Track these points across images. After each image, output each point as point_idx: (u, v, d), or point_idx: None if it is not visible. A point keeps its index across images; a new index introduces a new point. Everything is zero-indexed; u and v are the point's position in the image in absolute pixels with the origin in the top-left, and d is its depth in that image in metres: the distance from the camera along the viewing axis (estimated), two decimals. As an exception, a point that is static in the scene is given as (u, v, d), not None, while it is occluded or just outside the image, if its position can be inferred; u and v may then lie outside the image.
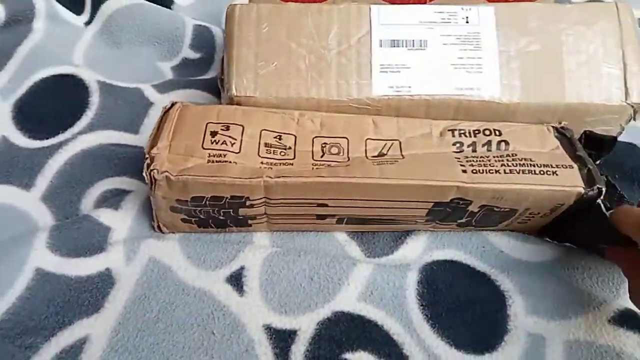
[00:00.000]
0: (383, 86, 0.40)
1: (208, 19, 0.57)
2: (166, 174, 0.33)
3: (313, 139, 0.37)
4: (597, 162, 0.40)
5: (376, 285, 0.36)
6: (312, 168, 0.34)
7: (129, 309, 0.34)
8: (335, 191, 0.34)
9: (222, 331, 0.34)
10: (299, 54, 0.40)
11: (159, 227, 0.38)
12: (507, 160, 0.36)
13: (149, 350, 0.33)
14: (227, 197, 0.34)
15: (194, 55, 0.54)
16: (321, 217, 0.37)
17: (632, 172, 0.45)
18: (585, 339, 0.34)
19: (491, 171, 0.35)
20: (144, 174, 0.33)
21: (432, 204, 0.35)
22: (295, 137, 0.37)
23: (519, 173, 0.35)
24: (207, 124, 0.37)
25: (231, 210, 0.35)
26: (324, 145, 0.36)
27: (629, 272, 0.35)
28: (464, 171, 0.35)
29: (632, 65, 0.41)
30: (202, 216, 0.36)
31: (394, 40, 0.40)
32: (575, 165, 0.36)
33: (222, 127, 0.36)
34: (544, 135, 0.38)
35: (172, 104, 0.38)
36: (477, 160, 0.36)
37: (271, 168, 0.34)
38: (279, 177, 0.33)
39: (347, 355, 0.33)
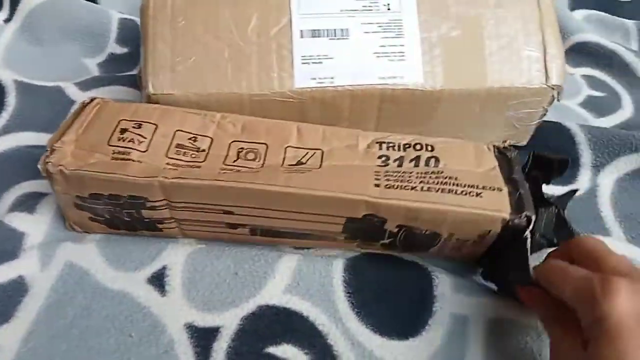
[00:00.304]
0: (305, 78, 0.39)
1: (135, 12, 0.55)
2: (60, 167, 0.32)
3: (230, 143, 0.35)
4: (547, 184, 0.37)
5: (302, 276, 0.36)
6: (219, 172, 0.33)
7: (42, 316, 0.33)
8: (235, 197, 0.33)
9: (141, 333, 0.33)
10: (217, 48, 0.39)
11: (71, 226, 0.37)
12: (430, 177, 0.34)
13: (60, 358, 0.32)
14: (125, 197, 0.33)
15: (120, 50, 0.53)
16: (232, 226, 0.36)
17: (558, 150, 0.46)
18: (508, 317, 0.35)
19: (407, 188, 0.33)
20: (38, 165, 0.32)
21: (345, 219, 0.34)
22: (212, 140, 0.36)
23: (437, 192, 0.33)
24: (120, 120, 0.36)
25: (133, 211, 0.34)
26: (240, 150, 0.35)
27: (549, 325, 0.31)
28: (377, 186, 0.33)
29: (552, 47, 0.41)
30: (107, 216, 0.35)
31: (315, 30, 0.40)
32: (505, 189, 0.33)
33: (134, 125, 0.35)
34: (482, 154, 0.36)
35: (92, 99, 0.38)
36: (396, 176, 0.34)
37: (176, 169, 0.33)
38: (175, 178, 0.32)
39: (271, 349, 0.33)
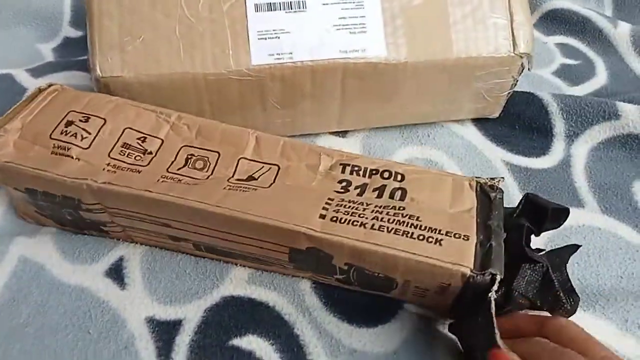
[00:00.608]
0: (263, 54, 0.37)
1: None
2: None
3: (181, 147, 0.33)
4: (536, 236, 0.32)
5: (267, 264, 0.35)
6: (156, 181, 0.31)
7: (-6, 316, 0.32)
8: (165, 211, 0.30)
9: (100, 329, 0.32)
10: (167, 25, 0.37)
11: (21, 216, 0.36)
12: (387, 213, 0.29)
13: (14, 359, 0.30)
14: (59, 196, 0.31)
15: (75, 33, 0.50)
16: (174, 238, 0.33)
17: (530, 121, 0.45)
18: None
19: (355, 223, 0.29)
20: None
21: (288, 249, 0.30)
22: (162, 142, 0.33)
23: (390, 232, 0.28)
24: (70, 112, 0.34)
25: (72, 210, 0.32)
26: (190, 156, 0.33)
27: None
28: (322, 217, 0.29)
29: (518, 14, 0.40)
30: (49, 211, 0.33)
31: (271, 4, 0.38)
32: (474, 237, 0.28)
33: (82, 118, 0.33)
34: (460, 191, 0.31)
35: (49, 85, 0.36)
36: (349, 207, 0.30)
37: (114, 172, 0.31)
38: (104, 183, 0.30)
39: (235, 340, 0.32)
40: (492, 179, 0.32)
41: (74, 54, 0.49)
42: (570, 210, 0.38)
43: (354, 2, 0.38)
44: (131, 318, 0.32)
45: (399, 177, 0.32)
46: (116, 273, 0.34)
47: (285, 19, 0.38)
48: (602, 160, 0.43)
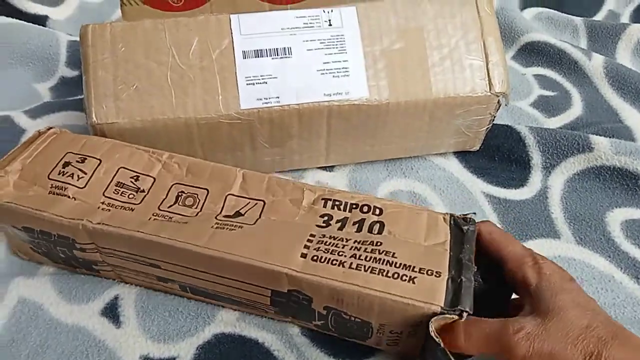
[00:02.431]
0: (251, 99, 0.39)
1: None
2: None
3: (172, 185, 0.35)
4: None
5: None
6: (149, 219, 0.33)
7: (-7, 359, 0.33)
8: (156, 251, 0.32)
9: (97, 368, 0.33)
10: (160, 73, 0.39)
11: (14, 252, 0.37)
12: (365, 250, 0.30)
13: (14, 401, 0.31)
14: (54, 235, 0.33)
15: (71, 73, 0.52)
16: (162, 279, 0.34)
17: (509, 154, 0.47)
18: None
19: (335, 263, 0.30)
20: None
21: (270, 291, 0.31)
22: (154, 180, 0.35)
23: (367, 271, 0.29)
24: (67, 153, 0.36)
25: (65, 249, 0.34)
26: (180, 194, 0.34)
27: None
28: (303, 256, 0.30)
29: (493, 55, 0.42)
30: (44, 249, 0.35)
31: (258, 50, 0.40)
32: (445, 274, 0.29)
33: (79, 159, 0.35)
34: (434, 224, 0.33)
35: (49, 129, 0.38)
36: (329, 244, 0.31)
37: (108, 211, 0.33)
38: (98, 223, 0.32)
39: (227, 376, 0.34)
40: (465, 214, 0.34)
41: (71, 93, 0.51)
42: (547, 241, 0.41)
43: (337, 47, 0.40)
44: (127, 357, 0.34)
45: (377, 211, 0.33)
46: (111, 312, 0.35)
47: (272, 65, 0.40)
48: (577, 191, 0.45)
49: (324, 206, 0.34)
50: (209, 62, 0.39)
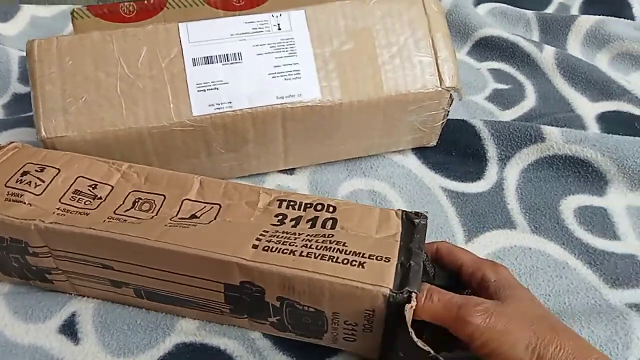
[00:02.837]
0: (203, 105, 0.39)
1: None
2: None
3: (129, 192, 0.35)
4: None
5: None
6: (103, 221, 0.33)
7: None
8: (108, 249, 0.32)
9: (55, 387, 0.33)
10: (108, 84, 0.38)
11: None
12: (317, 241, 0.31)
13: None
14: (7, 239, 0.33)
15: (24, 89, 0.51)
16: (115, 283, 0.34)
17: (465, 148, 0.48)
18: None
19: (285, 252, 0.30)
20: None
21: (223, 286, 0.31)
22: (112, 188, 0.35)
23: (317, 258, 0.30)
24: (26, 163, 0.36)
25: (19, 256, 0.34)
26: (137, 200, 0.35)
27: None
28: (255, 247, 0.30)
29: (442, 51, 0.42)
30: None
31: (208, 57, 0.40)
32: (395, 259, 0.30)
33: (37, 168, 0.35)
34: (386, 219, 0.33)
35: (10, 143, 0.38)
36: (281, 237, 0.31)
37: (63, 215, 0.33)
38: (51, 222, 0.32)
39: (190, 385, 0.33)
40: (416, 213, 0.34)
41: (24, 110, 0.50)
42: (503, 231, 0.42)
43: (287, 50, 0.41)
44: (87, 373, 0.33)
45: (331, 209, 0.34)
46: (69, 329, 0.35)
47: (223, 70, 0.40)
48: (531, 181, 0.45)
49: (279, 207, 0.34)
50: (159, 71, 0.39)
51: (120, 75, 0.38)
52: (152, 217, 0.33)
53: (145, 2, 0.42)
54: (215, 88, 0.39)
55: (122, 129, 0.38)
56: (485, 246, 0.41)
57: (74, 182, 0.35)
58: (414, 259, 0.30)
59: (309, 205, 0.34)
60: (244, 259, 0.30)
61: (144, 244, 0.31)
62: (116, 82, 0.38)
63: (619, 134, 0.46)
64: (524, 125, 0.47)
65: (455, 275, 0.33)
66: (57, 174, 0.35)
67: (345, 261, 0.29)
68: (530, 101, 0.54)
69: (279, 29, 0.41)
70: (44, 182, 0.34)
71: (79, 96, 0.38)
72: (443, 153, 0.48)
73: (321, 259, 0.30)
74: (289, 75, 0.40)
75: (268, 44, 0.40)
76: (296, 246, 0.31)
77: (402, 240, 0.32)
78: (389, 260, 0.30)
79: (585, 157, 0.45)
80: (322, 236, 0.32)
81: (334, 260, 0.30)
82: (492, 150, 0.47)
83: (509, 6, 0.66)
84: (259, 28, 0.41)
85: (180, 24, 0.40)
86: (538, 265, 0.39)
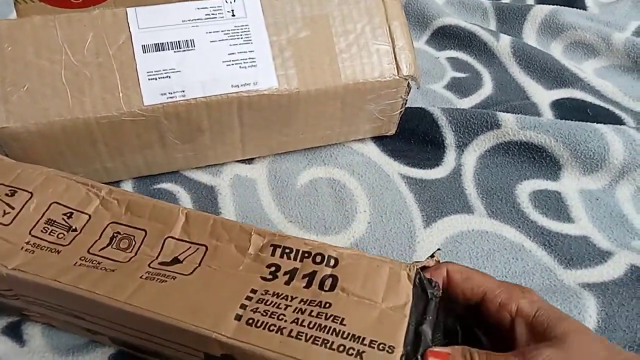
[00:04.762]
0: (154, 94, 0.38)
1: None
2: None
3: (108, 224, 0.32)
4: None
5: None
6: (76, 263, 0.30)
7: None
8: (74, 302, 0.29)
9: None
10: (52, 72, 0.36)
11: None
12: (311, 313, 0.27)
13: None
14: None
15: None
16: (91, 332, 0.32)
17: (424, 135, 0.48)
18: None
19: (273, 328, 0.26)
20: None
21: (203, 354, 0.28)
22: (89, 218, 0.32)
23: (308, 341, 0.26)
24: None
25: None
26: (115, 235, 0.31)
27: None
28: (238, 318, 0.27)
29: (399, 39, 0.42)
30: None
31: (159, 44, 0.38)
32: (399, 349, 0.25)
33: (8, 192, 0.32)
34: (396, 282, 0.29)
35: None
36: (270, 304, 0.27)
37: (33, 252, 0.30)
38: (14, 269, 0.29)
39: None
40: (431, 256, 0.30)
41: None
42: (461, 216, 0.42)
43: (241, 38, 0.40)
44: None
45: (332, 262, 0.30)
46: (13, 330, 0.33)
47: (174, 58, 0.38)
48: (488, 167, 0.46)
49: (272, 254, 0.30)
50: (106, 58, 0.37)
51: (65, 62, 0.37)
52: (130, 259, 0.30)
53: (94, -13, 0.41)
54: (167, 76, 0.38)
55: (68, 119, 0.36)
56: (444, 230, 0.41)
57: (47, 209, 0.32)
58: (423, 346, 0.26)
59: (306, 255, 0.30)
60: (224, 336, 0.26)
61: (112, 305, 0.27)
62: (61, 69, 0.36)
63: (572, 120, 0.47)
64: (481, 112, 0.47)
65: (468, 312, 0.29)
66: (29, 199, 0.32)
67: (342, 348, 0.25)
68: (487, 89, 0.55)
69: (233, 15, 0.40)
70: (13, 209, 0.31)
71: (20, 84, 0.36)
72: (402, 141, 0.48)
73: (313, 342, 0.26)
74: (244, 63, 0.39)
75: (222, 31, 0.39)
76: (285, 320, 0.27)
77: (412, 316, 0.27)
78: (392, 351, 0.25)
79: (539, 143, 0.46)
80: (317, 305, 0.28)
81: (328, 345, 0.26)
82: (450, 138, 0.48)
83: (466, -5, 0.67)
84: (212, 14, 0.39)
85: (128, 9, 0.38)
86: (495, 248, 0.40)
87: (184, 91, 0.38)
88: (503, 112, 0.48)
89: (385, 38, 0.42)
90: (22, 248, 0.30)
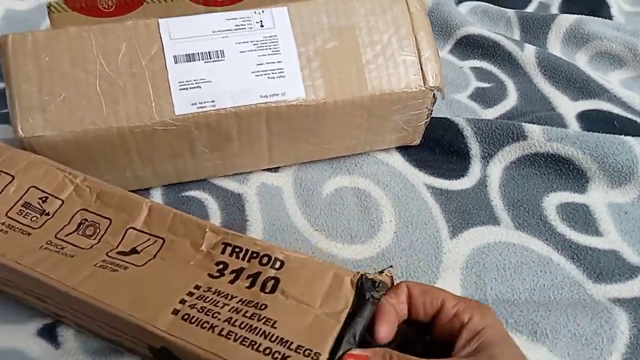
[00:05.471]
0: (185, 104, 0.38)
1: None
2: None
3: (78, 211, 0.34)
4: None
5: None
6: (41, 247, 0.31)
7: None
8: (32, 284, 0.31)
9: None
10: (88, 82, 0.37)
11: None
12: (245, 314, 0.28)
13: None
14: None
15: (-1, 86, 0.50)
16: (59, 316, 0.34)
17: (449, 146, 0.48)
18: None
19: (205, 325, 0.27)
20: None
21: (147, 345, 0.29)
22: (62, 203, 0.34)
23: (236, 341, 0.26)
24: None
25: None
26: (83, 221, 0.33)
27: None
28: (176, 312, 0.28)
29: (425, 50, 0.42)
30: None
31: (189, 55, 0.39)
32: (324, 355, 0.26)
33: None
34: (338, 288, 0.29)
35: None
36: (209, 300, 0.28)
37: (6, 233, 0.32)
38: None
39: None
40: (381, 272, 0.30)
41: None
42: (487, 228, 0.42)
43: (270, 49, 0.40)
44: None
45: (278, 265, 0.30)
46: (49, 332, 0.34)
47: (205, 68, 0.39)
48: (514, 178, 0.46)
49: (222, 252, 0.32)
50: (139, 68, 0.38)
51: (100, 72, 0.38)
52: (92, 246, 0.32)
53: (125, -4, 0.42)
54: (197, 87, 0.39)
55: (102, 128, 0.37)
56: (470, 242, 0.41)
57: (25, 192, 0.34)
58: (343, 348, 0.26)
59: (254, 256, 0.31)
60: (158, 329, 0.27)
61: (62, 289, 0.29)
62: (95, 79, 0.37)
63: (598, 132, 0.47)
64: (507, 123, 0.47)
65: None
66: (10, 182, 0.34)
67: (267, 351, 0.26)
68: (511, 100, 0.54)
69: (262, 26, 0.40)
70: None
71: (57, 94, 0.37)
72: (427, 151, 0.48)
73: (241, 342, 0.26)
74: (273, 73, 0.40)
75: (251, 42, 0.40)
76: (219, 319, 0.27)
77: (347, 322, 0.27)
78: (317, 358, 0.25)
79: (566, 155, 0.45)
80: (254, 306, 0.28)
81: (255, 347, 0.26)
82: (475, 148, 0.47)
83: (490, 5, 0.66)
84: (242, 25, 0.40)
85: (160, 20, 0.39)
86: (522, 261, 0.40)
87: (214, 101, 0.39)
88: (529, 123, 0.48)
89: (411, 49, 0.42)
90: None
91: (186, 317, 0.28)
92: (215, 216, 0.43)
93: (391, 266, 0.30)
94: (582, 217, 0.43)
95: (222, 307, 0.28)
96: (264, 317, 0.28)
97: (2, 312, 0.35)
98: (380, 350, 0.26)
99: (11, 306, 0.35)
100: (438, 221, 0.43)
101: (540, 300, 0.37)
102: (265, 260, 0.31)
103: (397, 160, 0.48)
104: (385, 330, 0.27)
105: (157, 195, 0.44)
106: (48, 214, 0.33)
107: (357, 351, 0.26)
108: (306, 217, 0.43)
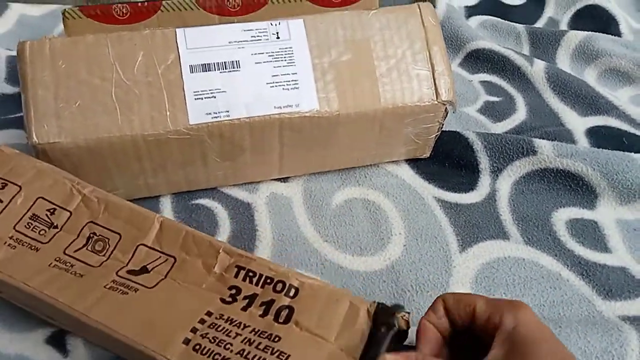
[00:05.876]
0: (200, 113, 0.39)
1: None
2: None
3: (86, 223, 0.33)
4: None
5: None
6: (50, 264, 0.31)
7: None
8: (41, 305, 0.31)
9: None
10: (103, 90, 0.38)
11: None
12: (258, 346, 0.27)
13: None
14: None
15: (11, 90, 0.50)
16: (66, 331, 0.34)
17: (458, 159, 0.48)
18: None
19: (217, 357, 0.27)
20: None
21: None
22: (70, 215, 0.34)
23: None
24: None
25: None
26: (92, 235, 0.33)
27: None
28: (187, 342, 0.27)
29: (439, 65, 0.43)
30: None
31: (205, 65, 0.39)
32: None
33: (0, 185, 0.34)
34: (353, 319, 0.28)
35: None
36: (221, 330, 0.28)
37: (14, 248, 0.31)
38: None
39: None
40: (398, 307, 0.29)
41: (12, 110, 0.49)
42: (497, 242, 0.42)
43: (285, 60, 0.40)
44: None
45: (292, 292, 0.30)
46: (57, 340, 0.34)
47: (220, 78, 0.39)
48: (523, 193, 0.46)
49: (236, 276, 0.31)
50: (155, 77, 0.38)
51: (116, 80, 0.38)
52: (102, 263, 0.32)
53: (139, 4, 0.42)
54: (212, 96, 0.39)
55: (117, 136, 0.37)
56: (480, 256, 0.41)
57: (33, 204, 0.34)
58: None
59: (268, 282, 0.30)
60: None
61: (71, 314, 0.29)
62: (111, 87, 0.38)
63: (607, 149, 0.47)
64: (516, 138, 0.47)
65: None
66: (17, 193, 0.34)
67: None
68: (520, 114, 0.55)
69: (278, 37, 0.41)
70: (2, 202, 0.34)
71: (72, 101, 0.37)
72: (436, 164, 0.49)
73: None
74: (287, 85, 0.40)
75: (266, 53, 0.40)
76: (231, 350, 0.27)
77: (362, 356, 0.27)
78: None
79: (576, 171, 0.46)
80: (267, 337, 0.28)
81: None
82: (484, 162, 0.48)
83: (500, 19, 0.67)
84: (258, 36, 0.40)
85: (177, 30, 0.39)
86: (531, 277, 0.40)
87: (228, 111, 0.39)
88: (538, 138, 0.48)
89: (425, 63, 0.42)
90: (5, 243, 0.32)
91: (197, 347, 0.27)
92: (225, 225, 0.43)
93: (408, 312, 0.29)
94: (591, 233, 0.43)
95: (234, 338, 0.28)
96: (278, 350, 0.27)
97: (10, 319, 0.35)
98: (412, 354, 0.27)
99: (19, 313, 0.35)
100: (447, 234, 0.43)
101: (550, 317, 0.37)
102: (279, 287, 0.30)
103: (406, 173, 0.48)
104: (428, 348, 0.28)
105: (166, 203, 0.44)
106: (56, 227, 0.33)
107: (390, 356, 0.27)
108: (315, 228, 0.43)
